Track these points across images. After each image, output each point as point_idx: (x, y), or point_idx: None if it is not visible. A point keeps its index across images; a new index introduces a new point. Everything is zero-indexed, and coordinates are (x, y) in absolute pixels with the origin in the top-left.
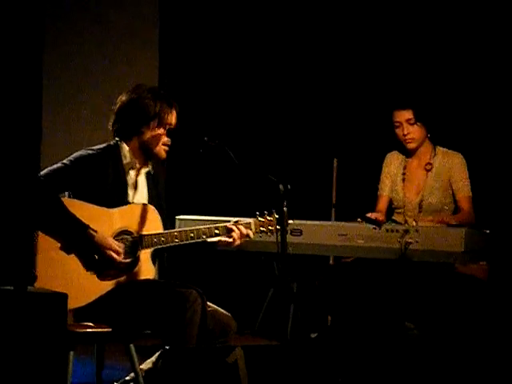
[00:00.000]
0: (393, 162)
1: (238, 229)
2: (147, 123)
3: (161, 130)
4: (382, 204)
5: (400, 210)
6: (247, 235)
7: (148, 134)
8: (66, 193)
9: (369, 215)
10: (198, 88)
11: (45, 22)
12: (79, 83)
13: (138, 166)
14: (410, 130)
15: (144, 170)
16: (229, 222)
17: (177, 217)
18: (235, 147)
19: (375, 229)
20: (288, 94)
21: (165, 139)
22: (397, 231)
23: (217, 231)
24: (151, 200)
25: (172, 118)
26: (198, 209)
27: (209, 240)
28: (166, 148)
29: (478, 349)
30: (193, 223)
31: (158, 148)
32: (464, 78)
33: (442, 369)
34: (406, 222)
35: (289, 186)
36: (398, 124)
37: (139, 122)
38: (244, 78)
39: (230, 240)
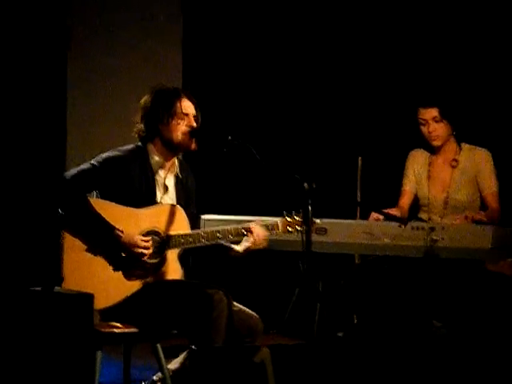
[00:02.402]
0: (417, 160)
1: (262, 229)
2: (161, 120)
3: (176, 121)
4: (405, 200)
5: (426, 208)
6: (273, 233)
7: (165, 130)
8: (94, 193)
9: (385, 211)
10: (222, 87)
11: (69, 24)
12: (104, 83)
13: (166, 165)
14: (436, 127)
15: (172, 173)
16: (254, 221)
17: (202, 216)
18: (260, 146)
19: (400, 226)
20: (313, 92)
21: (183, 128)
22: (422, 229)
23: (243, 231)
24: (179, 203)
25: (184, 106)
26: (223, 208)
27: (236, 239)
28: (188, 137)
29: (507, 347)
30: (218, 223)
31: (178, 138)
32: (489, 75)
33: (470, 367)
34: (430, 219)
35: (314, 185)
36: (423, 122)
37: (155, 121)
38: (269, 76)
39: (251, 240)
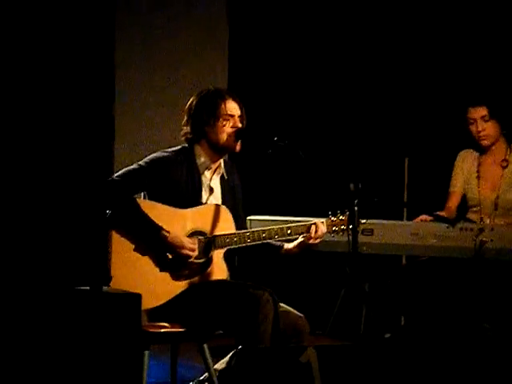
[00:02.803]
0: (466, 160)
1: (316, 225)
2: (207, 122)
3: (221, 123)
4: (453, 201)
5: (476, 209)
6: (319, 233)
7: (211, 132)
8: (142, 193)
9: (437, 213)
10: (267, 89)
11: (115, 23)
12: (151, 84)
13: (212, 166)
14: (485, 126)
15: (218, 174)
16: (299, 221)
17: (248, 217)
18: (305, 147)
19: (448, 227)
20: (360, 93)
21: (228, 130)
22: (471, 230)
23: (289, 231)
24: (225, 204)
25: (229, 108)
26: (269, 209)
27: (282, 239)
28: (234, 139)
29: None
30: (264, 223)
31: (223, 140)
32: None
33: None
34: (481, 220)
35: (360, 185)
36: (472, 121)
37: (201, 123)
38: (315, 78)
39: (305, 236)
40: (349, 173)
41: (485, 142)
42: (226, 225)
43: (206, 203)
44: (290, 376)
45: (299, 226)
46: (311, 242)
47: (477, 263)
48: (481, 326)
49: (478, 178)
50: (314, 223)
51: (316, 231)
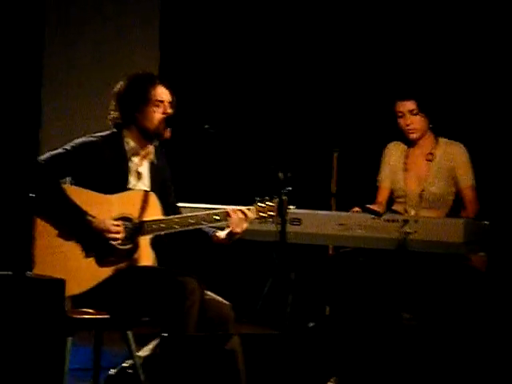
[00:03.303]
0: (394, 152)
1: (239, 210)
2: (137, 107)
3: (152, 109)
4: (383, 195)
5: (401, 200)
6: (246, 218)
7: (141, 117)
8: (68, 179)
9: (369, 206)
10: (198, 76)
11: (46, 10)
12: (79, 70)
13: (141, 152)
14: (413, 120)
15: (147, 160)
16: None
17: (176, 204)
18: (235, 135)
19: (374, 218)
20: (289, 83)
21: (158, 115)
22: (396, 221)
23: (216, 217)
24: (153, 190)
25: (159, 93)
26: (198, 197)
27: (209, 225)
28: (164, 125)
29: (476, 340)
30: (193, 211)
31: (153, 127)
32: (466, 69)
33: (439, 360)
34: (406, 211)
35: (289, 174)
36: (400, 114)
37: (130, 108)
38: (246, 67)
39: (230, 223)
40: (278, 162)
41: (413, 136)
42: (154, 211)
43: (133, 189)
44: (214, 364)
45: (226, 210)
46: (234, 228)
47: (401, 254)
48: (402, 316)
49: (405, 170)
50: (230, 210)
51: (240, 216)
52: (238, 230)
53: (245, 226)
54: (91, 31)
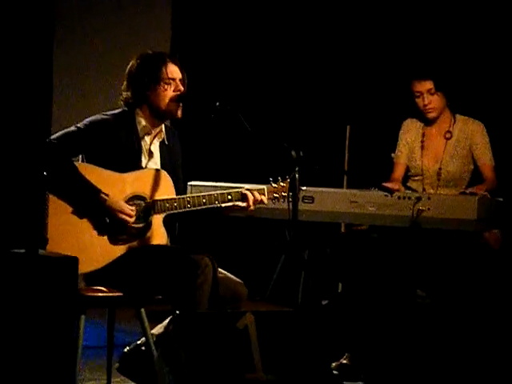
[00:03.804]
0: (411, 130)
1: (252, 194)
2: (148, 86)
3: (163, 87)
4: (399, 172)
5: (418, 178)
6: (261, 201)
7: (153, 96)
8: (80, 156)
9: (385, 184)
10: (211, 54)
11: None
12: (91, 49)
13: (152, 132)
14: (431, 99)
15: (158, 139)
16: (241, 188)
17: (189, 183)
18: (248, 113)
19: (387, 196)
20: (302, 60)
21: (170, 94)
22: (409, 198)
23: (229, 197)
24: (164, 168)
25: (170, 72)
26: (211, 175)
27: (223, 205)
28: (176, 104)
29: (490, 318)
30: (205, 189)
31: (165, 105)
32: (483, 46)
33: (453, 338)
34: (424, 189)
35: (301, 153)
36: (418, 94)
37: (142, 87)
38: (258, 44)
39: (244, 205)
40: (291, 140)
41: (431, 115)
42: (166, 190)
43: (145, 168)
44: (227, 341)
45: (239, 191)
46: (248, 208)
47: (414, 232)
48: (416, 294)
49: (422, 148)
50: (249, 190)
51: (254, 199)
52: (252, 208)
53: (256, 206)
54: (103, 9)
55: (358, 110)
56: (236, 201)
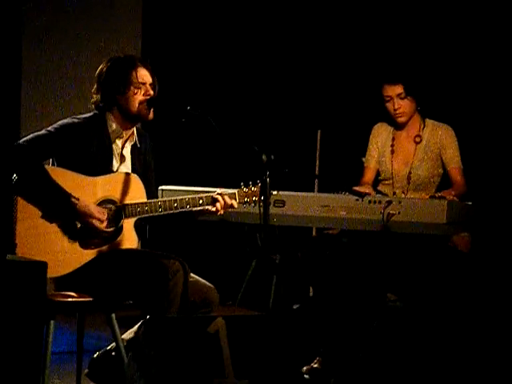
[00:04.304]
0: (381, 134)
1: (223, 199)
2: (118, 90)
3: (133, 91)
4: (369, 176)
5: (388, 182)
6: (231, 205)
7: (123, 100)
8: (50, 160)
9: (356, 188)
10: (181, 57)
11: None
12: (61, 53)
13: (124, 135)
14: (401, 104)
15: (130, 142)
16: (212, 192)
17: (160, 187)
18: (219, 117)
19: (358, 200)
20: (273, 64)
21: (140, 98)
22: (379, 202)
23: (201, 201)
24: (135, 172)
25: (140, 76)
26: (181, 179)
27: (193, 209)
28: (146, 107)
29: (460, 320)
30: (176, 193)
31: (135, 109)
32: (453, 51)
33: (424, 341)
34: (394, 193)
35: (272, 157)
36: (388, 98)
37: (112, 91)
38: (228, 48)
39: (214, 209)
40: (262, 144)
41: (401, 119)
42: (137, 194)
43: (116, 171)
44: (198, 346)
45: (210, 196)
46: (218, 212)
47: (385, 235)
48: (386, 297)
49: (392, 152)
50: (220, 194)
51: (224, 204)
52: (221, 213)
53: (226, 210)
54: (73, 12)
55: (329, 114)
56: (207, 205)
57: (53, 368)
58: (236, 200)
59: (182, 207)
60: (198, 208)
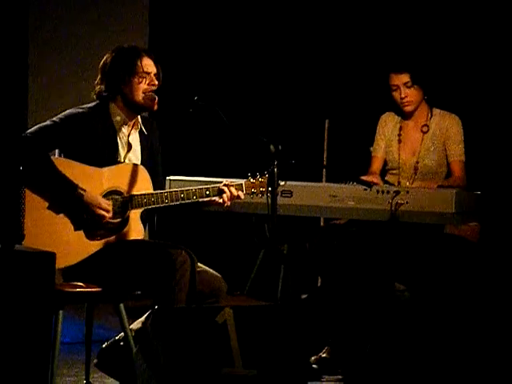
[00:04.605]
0: (388, 123)
1: (229, 190)
2: (123, 79)
3: (137, 79)
4: (376, 165)
5: (395, 172)
6: (238, 197)
7: (127, 89)
8: (57, 151)
9: (363, 178)
10: (189, 48)
11: None
12: (67, 48)
13: (129, 123)
14: (408, 92)
15: (136, 129)
16: (220, 183)
17: (168, 177)
18: (226, 107)
19: (366, 190)
20: (280, 54)
21: (144, 87)
22: (387, 192)
23: (207, 192)
24: (144, 160)
25: (145, 65)
26: (189, 169)
27: (200, 200)
28: (150, 96)
29: (468, 311)
30: (184, 184)
31: (139, 99)
32: (460, 39)
33: (431, 330)
34: (399, 183)
35: (280, 147)
36: (394, 87)
37: (116, 81)
38: (236, 38)
39: (221, 201)
40: (269, 134)
41: (408, 108)
42: (144, 184)
43: (123, 161)
44: (206, 336)
45: (217, 187)
46: (226, 203)
47: (392, 225)
48: (394, 287)
49: (399, 141)
50: (226, 185)
51: (230, 195)
52: (228, 204)
53: (233, 201)
54: (79, 3)
55: (337, 103)
56: (213, 196)
57: (62, 358)
58: (243, 191)
59: (189, 198)
60: (205, 199)
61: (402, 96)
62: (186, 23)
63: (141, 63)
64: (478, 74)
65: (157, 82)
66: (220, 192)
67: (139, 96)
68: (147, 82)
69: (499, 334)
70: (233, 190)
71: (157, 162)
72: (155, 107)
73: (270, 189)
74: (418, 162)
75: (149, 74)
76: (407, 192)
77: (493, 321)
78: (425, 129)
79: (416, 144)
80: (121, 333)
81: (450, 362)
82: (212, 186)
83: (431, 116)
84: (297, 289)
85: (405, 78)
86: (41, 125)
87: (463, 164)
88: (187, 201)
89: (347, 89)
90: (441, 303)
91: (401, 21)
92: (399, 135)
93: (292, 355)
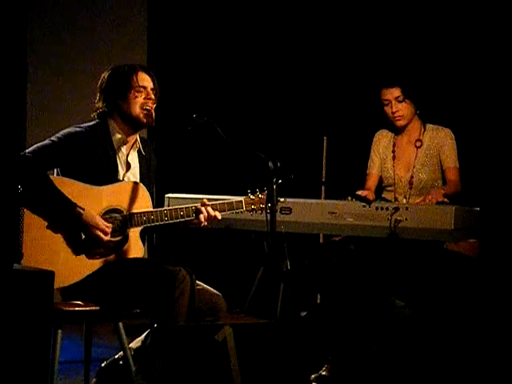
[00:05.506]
0: (382, 140)
1: (206, 210)
2: (120, 95)
3: (134, 94)
4: (372, 182)
5: (390, 188)
6: (215, 217)
7: (124, 104)
8: (55, 170)
9: (359, 193)
10: (187, 65)
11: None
12: (67, 65)
13: (128, 141)
14: (399, 107)
15: (135, 149)
16: (218, 199)
17: (166, 195)
18: (225, 124)
19: (365, 206)
20: (278, 71)
21: (141, 101)
22: (386, 209)
23: (181, 213)
24: (142, 179)
25: (140, 79)
26: (188, 187)
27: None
28: (146, 111)
29: (468, 327)
30: (183, 201)
31: (136, 113)
32: (450, 53)
33: (432, 347)
34: (396, 199)
35: (278, 164)
36: (386, 102)
37: (113, 96)
38: (234, 55)
39: (197, 222)
40: (268, 151)
41: (400, 123)
42: (143, 202)
43: (122, 179)
44: (205, 354)
45: (217, 204)
46: (202, 225)
47: (392, 242)
48: (394, 304)
49: (394, 158)
50: (204, 205)
51: (208, 215)
52: (205, 224)
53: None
54: (78, 19)
55: (335, 120)
56: (188, 217)
57: (60, 377)
58: (219, 211)
59: (188, 215)
60: (181, 220)
61: (394, 110)
62: (185, 42)
63: (136, 78)
64: (469, 87)
65: (153, 97)
66: (197, 212)
67: (136, 110)
68: (143, 96)
69: (499, 349)
70: (209, 209)
71: (153, 182)
72: (152, 122)
73: (269, 205)
74: (412, 177)
75: (145, 88)
76: (406, 208)
77: (493, 336)
78: (418, 143)
79: (410, 159)
80: (120, 352)
81: (450, 377)
82: (212, 202)
83: (424, 131)
84: (296, 306)
85: (396, 92)
86: (39, 144)
87: (457, 170)
88: (187, 218)
89: (345, 106)
90: (441, 319)
91: (392, 36)
92: (393, 151)
93: (292, 373)
